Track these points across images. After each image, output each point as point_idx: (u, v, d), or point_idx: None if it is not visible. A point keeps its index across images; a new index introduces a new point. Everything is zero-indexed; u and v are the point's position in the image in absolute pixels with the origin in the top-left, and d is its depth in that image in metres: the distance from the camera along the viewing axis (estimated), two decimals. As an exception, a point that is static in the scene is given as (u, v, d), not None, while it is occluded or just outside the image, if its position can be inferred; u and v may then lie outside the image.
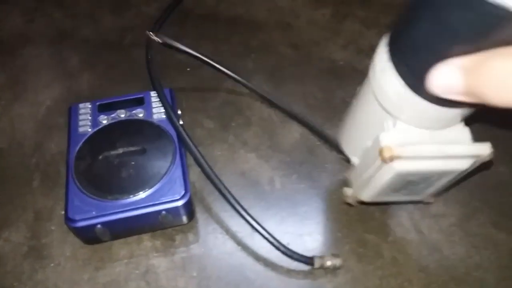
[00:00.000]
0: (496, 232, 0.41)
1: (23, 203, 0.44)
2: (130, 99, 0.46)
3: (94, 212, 0.37)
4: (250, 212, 0.39)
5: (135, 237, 0.41)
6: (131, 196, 0.38)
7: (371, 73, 0.30)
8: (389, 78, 0.28)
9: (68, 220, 0.37)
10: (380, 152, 0.29)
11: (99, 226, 0.37)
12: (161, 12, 0.60)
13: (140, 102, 0.45)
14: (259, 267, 0.40)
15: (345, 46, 0.57)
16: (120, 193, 0.39)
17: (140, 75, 0.51)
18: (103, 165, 0.41)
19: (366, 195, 0.35)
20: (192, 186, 0.43)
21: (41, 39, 0.59)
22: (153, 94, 0.46)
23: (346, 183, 0.39)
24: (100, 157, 0.41)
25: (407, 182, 0.32)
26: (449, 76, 0.21)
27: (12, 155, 0.48)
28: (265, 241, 0.39)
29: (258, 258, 0.40)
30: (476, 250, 0.40)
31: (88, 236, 0.39)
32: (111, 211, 0.38)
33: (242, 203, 0.39)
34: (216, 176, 0.40)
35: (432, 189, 0.35)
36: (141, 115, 0.44)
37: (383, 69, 0.28)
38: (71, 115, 0.45)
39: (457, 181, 0.34)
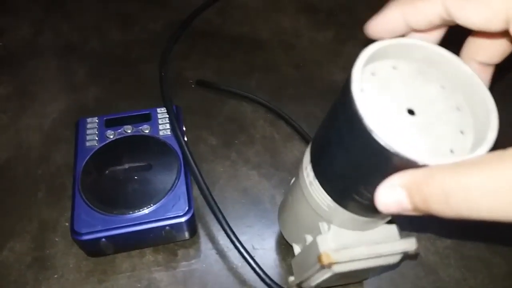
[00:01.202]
0: (491, 256, 0.42)
1: (28, 214, 0.44)
2: (137, 115, 0.46)
3: (99, 226, 0.38)
4: (251, 229, 0.40)
5: (137, 250, 0.42)
6: (136, 211, 0.39)
7: (301, 182, 0.31)
8: (318, 192, 0.29)
9: (74, 233, 0.38)
10: (319, 258, 0.30)
11: (104, 239, 0.38)
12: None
13: (147, 118, 0.46)
14: (260, 284, 0.40)
15: (346, 68, 0.58)
16: (125, 207, 0.39)
17: (145, 90, 0.52)
18: (109, 179, 0.41)
19: (310, 285, 0.36)
20: (195, 202, 0.43)
21: (48, 51, 0.60)
22: (159, 110, 0.47)
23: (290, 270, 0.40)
24: (107, 171, 0.42)
25: (345, 275, 0.33)
26: (393, 197, 0.21)
27: (18, 166, 0.48)
28: (265, 259, 0.40)
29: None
30: (471, 273, 0.41)
31: (93, 249, 0.40)
32: (116, 226, 0.38)
33: (244, 220, 0.40)
34: (213, 199, 0.39)
35: (370, 274, 0.39)
36: (147, 131, 0.45)
37: (311, 183, 0.29)
38: (79, 129, 0.45)
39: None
